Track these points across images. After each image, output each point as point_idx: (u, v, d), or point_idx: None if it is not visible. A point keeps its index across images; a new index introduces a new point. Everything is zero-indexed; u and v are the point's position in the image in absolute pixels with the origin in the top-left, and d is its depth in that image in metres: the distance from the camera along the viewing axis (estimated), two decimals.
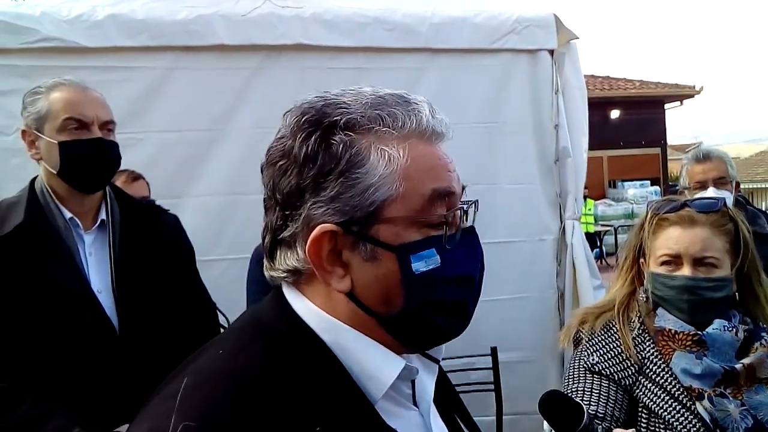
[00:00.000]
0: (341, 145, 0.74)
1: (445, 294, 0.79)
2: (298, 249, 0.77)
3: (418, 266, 0.75)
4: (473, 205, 0.85)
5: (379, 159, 0.75)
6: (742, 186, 3.14)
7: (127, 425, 1.19)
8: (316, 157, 0.74)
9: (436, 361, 0.88)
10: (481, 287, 0.85)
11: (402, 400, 0.82)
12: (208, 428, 0.66)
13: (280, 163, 0.77)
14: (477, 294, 0.85)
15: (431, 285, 0.77)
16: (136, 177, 2.93)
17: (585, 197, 13.79)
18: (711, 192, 2.63)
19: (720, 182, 2.73)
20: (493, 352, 3.21)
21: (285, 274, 0.80)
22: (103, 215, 1.88)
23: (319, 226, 0.74)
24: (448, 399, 0.96)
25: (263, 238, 0.82)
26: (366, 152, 0.75)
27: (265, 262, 0.82)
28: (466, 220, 0.83)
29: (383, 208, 0.75)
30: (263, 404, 0.69)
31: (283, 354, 0.75)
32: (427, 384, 0.86)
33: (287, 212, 0.77)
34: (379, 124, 0.76)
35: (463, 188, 0.83)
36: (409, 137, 0.77)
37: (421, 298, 0.77)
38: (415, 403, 0.85)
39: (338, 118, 0.75)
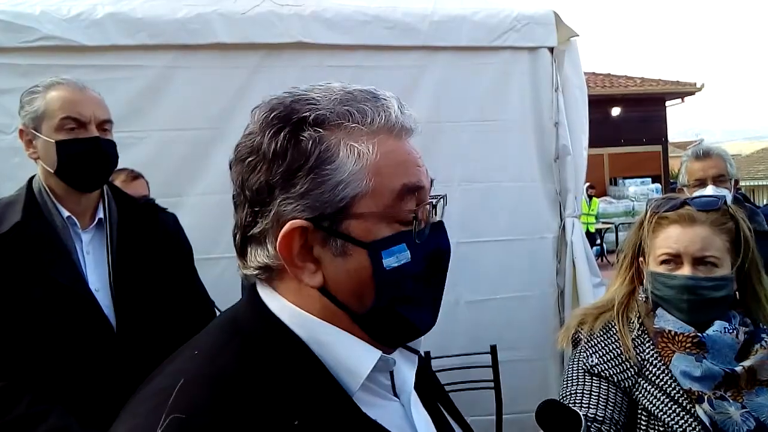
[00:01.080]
0: (310, 141, 0.74)
1: (415, 288, 0.79)
2: (268, 245, 0.77)
3: (390, 262, 0.76)
4: (441, 199, 0.85)
5: (348, 155, 0.75)
6: (742, 183, 3.13)
7: None
8: (285, 154, 0.74)
9: (416, 352, 0.89)
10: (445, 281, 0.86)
11: (381, 391, 0.83)
12: (187, 428, 0.66)
13: (249, 159, 0.77)
14: (444, 288, 0.85)
15: (402, 280, 0.78)
16: (135, 176, 2.92)
17: (590, 196, 13.75)
18: (710, 190, 2.61)
19: (719, 180, 2.72)
20: (493, 350, 3.22)
21: (257, 272, 0.80)
22: (100, 214, 1.88)
23: (290, 222, 0.74)
24: (430, 389, 0.97)
25: (234, 236, 0.82)
26: (335, 148, 0.75)
27: (238, 260, 0.83)
28: (435, 214, 0.84)
29: (353, 203, 0.75)
30: (241, 402, 0.69)
31: (258, 351, 0.75)
32: (406, 374, 0.87)
33: (257, 209, 0.77)
34: (348, 120, 0.76)
35: (431, 182, 0.84)
36: (378, 133, 0.78)
37: (393, 294, 0.78)
38: (395, 394, 0.85)
39: (307, 114, 0.75)
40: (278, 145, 0.74)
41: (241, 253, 0.81)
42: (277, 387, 0.72)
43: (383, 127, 0.78)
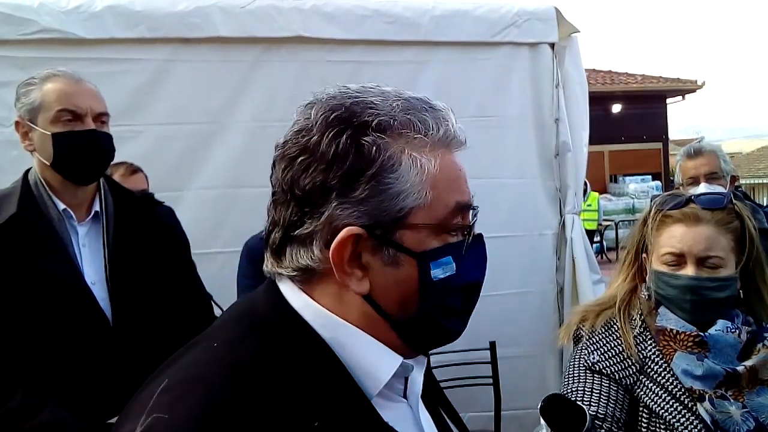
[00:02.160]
0: (374, 147, 0.73)
1: (455, 299, 0.80)
2: (314, 248, 0.75)
3: (437, 273, 0.76)
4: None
5: (411, 166, 0.74)
6: (743, 181, 3.11)
7: None
8: (346, 157, 0.72)
9: (426, 355, 0.88)
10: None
11: (392, 394, 0.82)
12: (207, 423, 0.64)
13: (302, 158, 0.74)
14: (478, 297, 0.86)
15: (445, 291, 0.78)
16: (134, 170, 2.91)
17: (584, 191, 13.46)
18: (702, 188, 2.58)
19: (712, 177, 2.69)
20: (492, 346, 3.21)
21: (295, 273, 0.77)
22: (96, 207, 1.86)
23: (347, 228, 0.72)
24: (432, 392, 0.96)
25: (269, 234, 0.79)
26: (398, 157, 0.74)
27: (270, 258, 0.80)
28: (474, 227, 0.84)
29: (410, 214, 0.74)
30: (262, 399, 0.68)
31: (279, 349, 0.73)
32: (416, 377, 0.87)
33: (306, 209, 0.75)
34: (411, 130, 0.75)
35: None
36: (437, 145, 0.77)
37: (435, 303, 0.78)
38: (404, 396, 0.85)
39: (369, 119, 0.74)
40: (339, 147, 0.72)
41: (277, 252, 0.79)
42: (297, 385, 0.71)
43: (442, 139, 0.78)
